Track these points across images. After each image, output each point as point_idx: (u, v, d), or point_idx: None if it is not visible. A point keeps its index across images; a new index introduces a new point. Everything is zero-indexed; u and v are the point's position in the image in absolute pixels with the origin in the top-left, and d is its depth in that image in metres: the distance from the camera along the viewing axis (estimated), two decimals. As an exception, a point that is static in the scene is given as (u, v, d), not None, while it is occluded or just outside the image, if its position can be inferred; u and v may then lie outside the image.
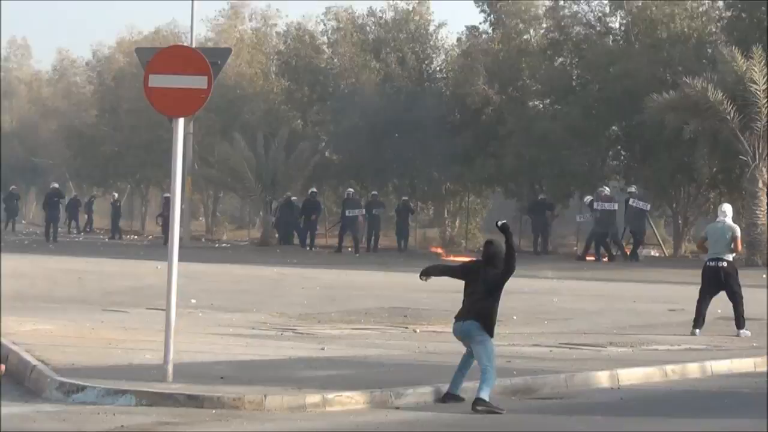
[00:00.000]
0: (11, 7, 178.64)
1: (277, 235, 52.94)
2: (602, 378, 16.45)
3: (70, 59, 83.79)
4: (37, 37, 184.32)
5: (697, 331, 21.79)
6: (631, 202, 44.77)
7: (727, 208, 23.47)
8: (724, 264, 22.15)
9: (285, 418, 14.46)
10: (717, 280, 22.17)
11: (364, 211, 50.56)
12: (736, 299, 22.22)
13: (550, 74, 51.48)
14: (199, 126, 50.35)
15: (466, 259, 17.68)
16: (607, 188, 46.16)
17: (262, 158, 53.79)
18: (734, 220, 45.05)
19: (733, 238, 22.39)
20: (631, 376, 17.07)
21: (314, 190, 52.68)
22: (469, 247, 50.84)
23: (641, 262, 43.45)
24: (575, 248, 49.03)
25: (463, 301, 14.68)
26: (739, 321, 22.10)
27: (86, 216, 63.82)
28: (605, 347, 19.42)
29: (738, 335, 21.71)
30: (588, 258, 44.71)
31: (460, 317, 14.63)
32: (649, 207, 45.65)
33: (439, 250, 49.83)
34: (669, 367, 17.68)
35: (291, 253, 47.61)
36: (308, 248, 50.14)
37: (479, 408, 13.88)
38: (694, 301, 24.36)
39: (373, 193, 51.92)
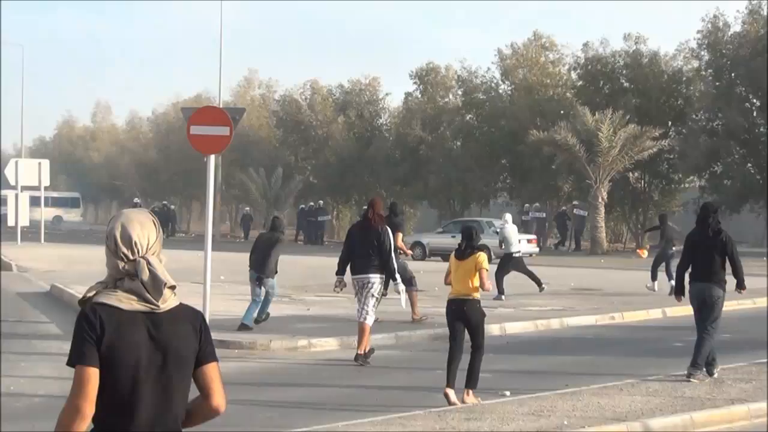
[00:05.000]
0: (97, 76, 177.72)
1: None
2: (494, 329, 16.60)
3: (138, 116, 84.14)
4: (115, 100, 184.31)
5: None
6: (575, 211, 44.52)
7: (508, 217, 23.06)
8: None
9: (283, 356, 14.56)
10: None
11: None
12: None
13: (461, 124, 51.64)
14: (224, 160, 50.33)
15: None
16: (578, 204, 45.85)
17: (267, 185, 54.18)
18: (582, 222, 45.11)
19: (502, 237, 22.22)
20: (513, 327, 17.27)
21: (305, 205, 52.81)
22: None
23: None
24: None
25: None
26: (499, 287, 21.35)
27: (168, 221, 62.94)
28: (496, 308, 19.58)
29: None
30: None
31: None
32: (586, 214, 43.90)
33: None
34: (539, 322, 17.88)
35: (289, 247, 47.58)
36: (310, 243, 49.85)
37: None
38: (557, 279, 24.29)
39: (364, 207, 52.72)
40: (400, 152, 53.16)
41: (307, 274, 27.24)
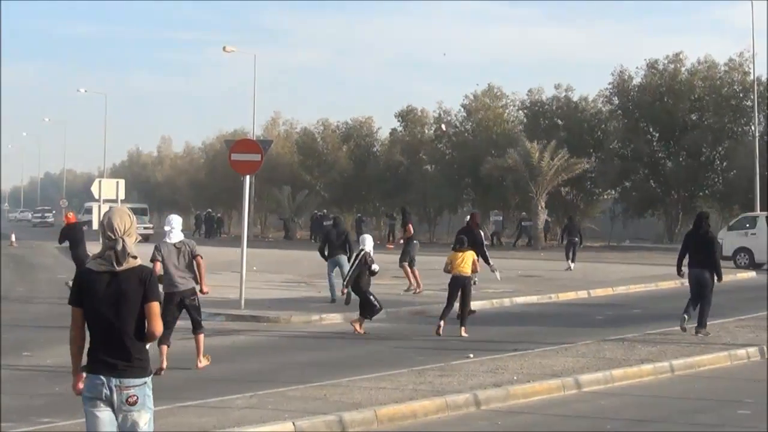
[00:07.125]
0: (162, 116, 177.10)
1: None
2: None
3: (191, 146, 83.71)
4: (175, 134, 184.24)
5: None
6: (523, 222, 42.96)
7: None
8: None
9: (301, 328, 14.41)
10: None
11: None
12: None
13: (434, 152, 51.34)
14: (257, 179, 50.08)
15: None
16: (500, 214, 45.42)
17: (290, 197, 54.13)
18: (527, 225, 44.46)
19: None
20: (475, 305, 17.08)
21: (318, 212, 52.47)
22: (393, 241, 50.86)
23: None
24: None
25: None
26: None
27: (214, 225, 62.19)
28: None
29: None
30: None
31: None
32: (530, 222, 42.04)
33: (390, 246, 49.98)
34: (494, 300, 17.75)
35: (305, 244, 47.30)
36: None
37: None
38: (508, 267, 24.04)
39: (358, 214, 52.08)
40: (388, 173, 53.04)
41: (319, 265, 27.12)
